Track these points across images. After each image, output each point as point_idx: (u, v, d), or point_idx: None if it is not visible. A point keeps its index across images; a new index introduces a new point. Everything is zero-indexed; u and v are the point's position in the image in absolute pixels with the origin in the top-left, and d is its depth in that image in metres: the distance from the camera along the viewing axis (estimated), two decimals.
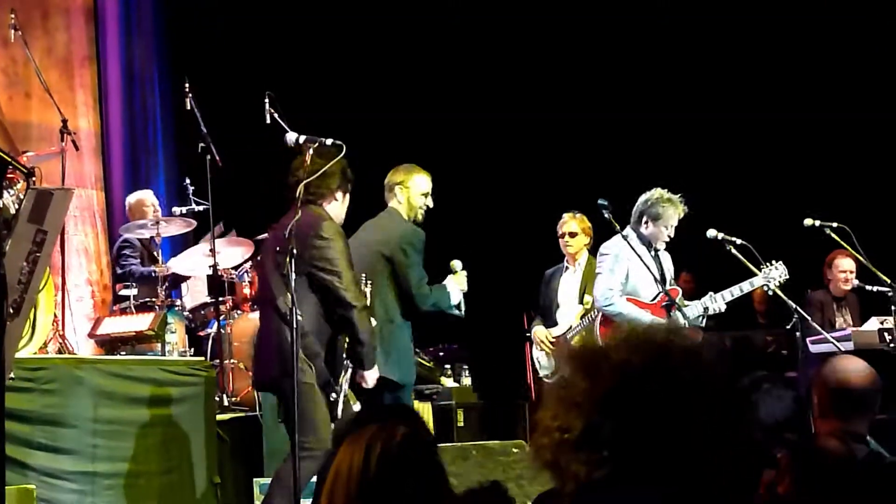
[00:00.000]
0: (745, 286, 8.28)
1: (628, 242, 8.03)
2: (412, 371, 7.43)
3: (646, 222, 8.21)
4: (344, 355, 6.60)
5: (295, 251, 6.23)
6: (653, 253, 8.25)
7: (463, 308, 7.50)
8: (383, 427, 2.96)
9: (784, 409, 4.74)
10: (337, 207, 6.75)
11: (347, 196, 6.81)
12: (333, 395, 6.51)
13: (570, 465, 1.73)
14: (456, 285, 7.45)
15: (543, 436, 1.80)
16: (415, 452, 2.95)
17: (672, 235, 8.24)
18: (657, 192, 8.25)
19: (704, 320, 8.28)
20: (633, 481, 1.67)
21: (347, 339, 6.61)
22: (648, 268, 7.99)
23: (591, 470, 1.70)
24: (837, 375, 4.59)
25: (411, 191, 7.44)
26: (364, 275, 6.86)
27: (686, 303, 8.30)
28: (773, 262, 8.30)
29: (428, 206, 7.48)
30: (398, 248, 7.27)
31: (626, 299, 8.10)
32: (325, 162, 6.54)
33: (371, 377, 6.72)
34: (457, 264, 7.52)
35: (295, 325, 6.16)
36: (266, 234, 7.22)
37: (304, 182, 6.45)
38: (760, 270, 8.23)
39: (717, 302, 8.21)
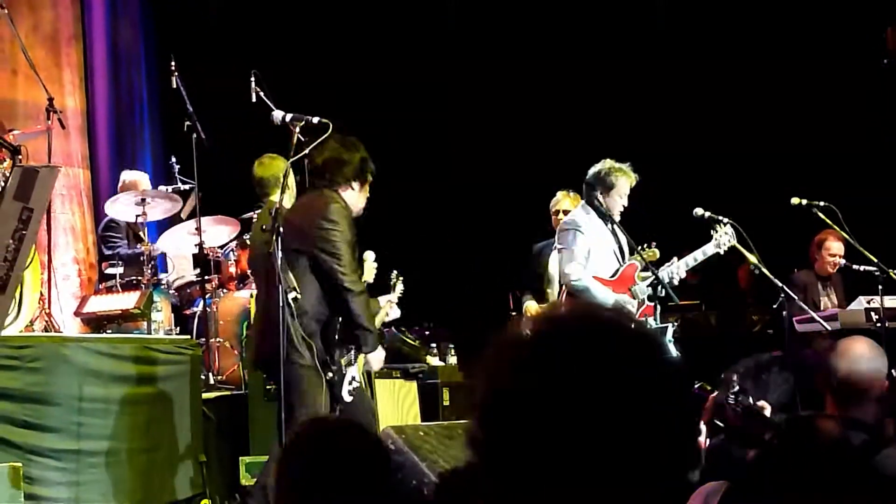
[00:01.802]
0: (699, 254, 8.14)
1: (585, 216, 7.99)
2: None
3: (600, 193, 8.07)
4: (337, 336, 6.62)
5: (282, 230, 6.27)
6: (610, 227, 8.13)
7: None
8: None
9: (785, 392, 4.76)
10: (353, 196, 6.71)
11: (366, 187, 6.79)
12: (330, 374, 6.52)
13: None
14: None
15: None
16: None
17: (626, 204, 8.11)
18: (608, 163, 8.07)
19: (666, 291, 8.08)
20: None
21: (341, 321, 6.63)
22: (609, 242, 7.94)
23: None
24: (842, 361, 4.57)
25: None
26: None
27: (643, 275, 8.14)
28: (721, 224, 8.15)
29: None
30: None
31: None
32: (340, 149, 6.60)
33: (374, 360, 6.76)
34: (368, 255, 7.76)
35: (282, 303, 6.19)
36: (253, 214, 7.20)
37: (313, 166, 6.60)
38: (713, 237, 8.12)
39: (679, 269, 8.09)
